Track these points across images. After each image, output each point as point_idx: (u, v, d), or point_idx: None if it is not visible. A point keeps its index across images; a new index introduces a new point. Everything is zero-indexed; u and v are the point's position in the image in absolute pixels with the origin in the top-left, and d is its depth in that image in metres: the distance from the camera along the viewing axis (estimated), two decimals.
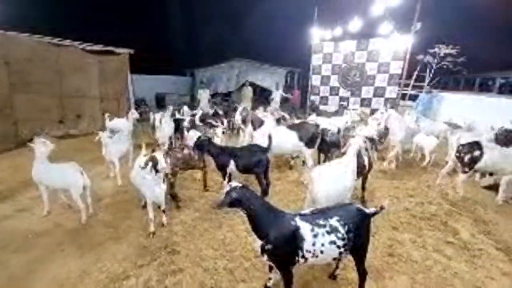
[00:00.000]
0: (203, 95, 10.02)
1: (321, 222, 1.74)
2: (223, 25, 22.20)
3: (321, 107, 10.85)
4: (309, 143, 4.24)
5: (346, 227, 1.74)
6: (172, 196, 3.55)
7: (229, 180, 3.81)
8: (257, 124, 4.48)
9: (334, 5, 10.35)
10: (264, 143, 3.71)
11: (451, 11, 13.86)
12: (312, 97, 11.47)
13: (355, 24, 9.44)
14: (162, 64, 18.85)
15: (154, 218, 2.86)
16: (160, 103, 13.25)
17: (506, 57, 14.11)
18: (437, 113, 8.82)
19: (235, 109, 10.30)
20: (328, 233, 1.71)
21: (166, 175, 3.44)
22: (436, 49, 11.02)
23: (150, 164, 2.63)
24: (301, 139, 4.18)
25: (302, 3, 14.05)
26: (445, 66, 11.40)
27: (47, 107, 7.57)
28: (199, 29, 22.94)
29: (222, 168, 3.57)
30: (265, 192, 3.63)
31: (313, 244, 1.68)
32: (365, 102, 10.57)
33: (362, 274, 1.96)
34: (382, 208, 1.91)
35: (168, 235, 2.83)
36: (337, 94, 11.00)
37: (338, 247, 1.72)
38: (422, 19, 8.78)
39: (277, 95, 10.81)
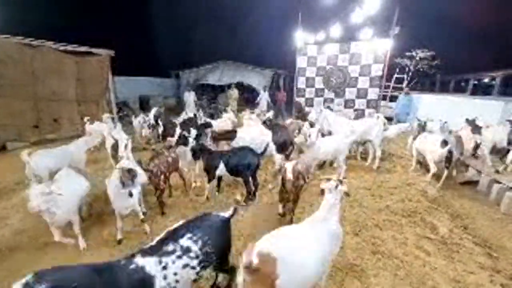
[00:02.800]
0: (189, 98, 9.87)
1: (170, 248, 1.54)
2: (209, 27, 22.04)
3: (306, 109, 11.03)
4: (280, 147, 4.27)
5: (201, 242, 1.61)
6: (160, 202, 3.45)
7: (219, 183, 3.84)
8: (231, 138, 4.28)
9: (317, 9, 10.58)
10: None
11: (428, 17, 14.60)
12: (298, 99, 11.63)
13: (337, 27, 9.71)
14: (147, 66, 18.38)
15: (135, 227, 2.76)
16: (144, 106, 12.90)
17: (479, 59, 15.05)
18: (416, 114, 9.22)
19: (221, 111, 10.27)
20: (179, 257, 1.52)
21: (158, 180, 3.32)
22: (413, 53, 11.56)
23: (127, 178, 2.48)
24: (273, 140, 4.22)
25: (287, 7, 14.25)
26: (421, 69, 11.96)
27: (21, 110, 7.17)
28: (185, 30, 22.62)
29: (211, 169, 3.53)
30: (253, 195, 3.63)
31: (165, 278, 1.46)
32: (349, 104, 10.87)
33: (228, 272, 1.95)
34: (237, 202, 1.95)
35: None
36: (321, 96, 11.23)
37: (193, 268, 1.56)
38: (400, 24, 9.18)
39: (263, 98, 10.86)
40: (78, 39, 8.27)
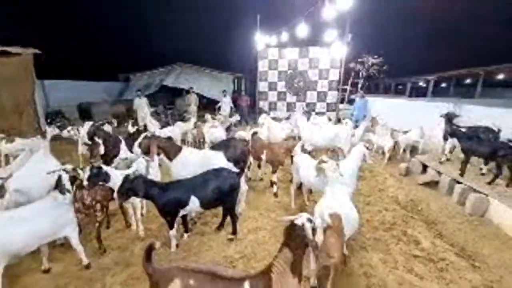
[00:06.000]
0: (140, 105, 8.69)
1: None
2: (165, 27, 20.52)
3: (271, 113, 10.81)
4: (239, 164, 3.59)
5: None
6: (97, 239, 2.74)
7: (186, 228, 2.92)
8: (172, 152, 3.29)
9: (275, 12, 10.51)
10: (185, 175, 2.94)
11: (375, 26, 15.99)
12: (261, 103, 11.38)
13: (296, 32, 9.72)
14: (89, 67, 16.10)
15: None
16: (85, 115, 11.06)
17: (417, 64, 17.07)
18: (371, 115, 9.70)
19: (182, 118, 9.33)
20: None
21: (94, 211, 2.66)
22: (364, 59, 12.38)
23: None
24: (229, 159, 3.51)
25: (246, 9, 14.01)
26: (372, 74, 12.89)
27: None
28: (136, 29, 20.55)
29: (174, 209, 2.59)
30: (235, 229, 2.98)
31: None
32: (310, 106, 11.02)
33: None
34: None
35: None
36: (284, 100, 11.17)
37: None
38: (352, 32, 9.64)
39: (225, 103, 10.29)
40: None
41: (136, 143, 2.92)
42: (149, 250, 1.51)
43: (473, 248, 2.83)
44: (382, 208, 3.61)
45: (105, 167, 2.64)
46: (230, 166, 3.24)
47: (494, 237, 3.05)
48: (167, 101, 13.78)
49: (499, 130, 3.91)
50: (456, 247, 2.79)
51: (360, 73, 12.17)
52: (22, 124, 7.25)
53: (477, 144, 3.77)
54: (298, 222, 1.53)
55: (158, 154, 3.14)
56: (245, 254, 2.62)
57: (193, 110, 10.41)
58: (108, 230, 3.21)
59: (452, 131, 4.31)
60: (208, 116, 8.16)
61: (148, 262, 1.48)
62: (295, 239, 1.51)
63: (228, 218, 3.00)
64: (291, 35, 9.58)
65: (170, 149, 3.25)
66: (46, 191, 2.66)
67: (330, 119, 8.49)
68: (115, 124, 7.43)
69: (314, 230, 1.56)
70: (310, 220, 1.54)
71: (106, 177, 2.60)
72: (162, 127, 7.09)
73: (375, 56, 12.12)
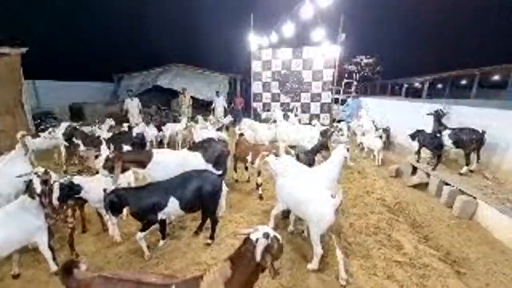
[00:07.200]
0: (131, 105, 8.56)
1: None
2: (160, 27, 20.43)
3: (264, 114, 10.73)
4: (218, 165, 3.45)
5: None
6: (70, 245, 2.65)
7: (163, 234, 2.77)
8: (142, 160, 3.04)
9: (269, 13, 10.46)
10: (163, 177, 2.82)
11: (371, 27, 15.99)
12: (255, 104, 11.29)
13: (289, 31, 9.66)
14: (84, 68, 15.95)
15: None
16: (77, 116, 10.93)
17: (412, 64, 17.07)
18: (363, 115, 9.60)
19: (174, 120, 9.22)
20: None
21: (65, 216, 2.59)
22: (358, 59, 12.36)
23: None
24: (207, 160, 3.37)
25: (241, 10, 13.97)
26: (366, 74, 12.87)
27: None
28: (131, 30, 20.42)
29: (150, 213, 2.47)
30: (213, 234, 2.88)
31: None
32: (304, 107, 10.94)
33: None
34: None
35: None
36: (278, 101, 11.08)
37: None
38: (346, 31, 9.60)
39: (219, 103, 10.19)
40: None
41: (100, 165, 2.78)
42: (69, 265, 1.44)
43: (458, 252, 2.74)
44: (367, 211, 3.51)
45: (76, 179, 2.57)
46: (208, 167, 3.14)
47: (482, 241, 2.96)
48: (163, 102, 13.67)
49: (483, 132, 3.84)
50: (441, 252, 2.70)
51: (354, 74, 12.14)
52: (16, 124, 7.19)
53: (424, 139, 4.63)
54: (253, 237, 1.36)
55: (128, 169, 2.97)
56: (219, 260, 2.51)
57: (186, 111, 10.30)
58: (84, 235, 3.12)
59: (412, 133, 4.77)
60: (199, 117, 8.07)
61: (67, 275, 1.40)
62: (241, 255, 1.35)
63: (208, 222, 2.92)
64: (284, 35, 9.53)
65: (138, 159, 3.06)
66: (13, 195, 2.56)
67: (296, 115, 8.56)
68: (112, 124, 7.29)
69: (268, 248, 1.35)
70: (267, 236, 1.35)
71: (78, 189, 2.54)
72: (157, 127, 7.01)
73: (368, 57, 12.10)
